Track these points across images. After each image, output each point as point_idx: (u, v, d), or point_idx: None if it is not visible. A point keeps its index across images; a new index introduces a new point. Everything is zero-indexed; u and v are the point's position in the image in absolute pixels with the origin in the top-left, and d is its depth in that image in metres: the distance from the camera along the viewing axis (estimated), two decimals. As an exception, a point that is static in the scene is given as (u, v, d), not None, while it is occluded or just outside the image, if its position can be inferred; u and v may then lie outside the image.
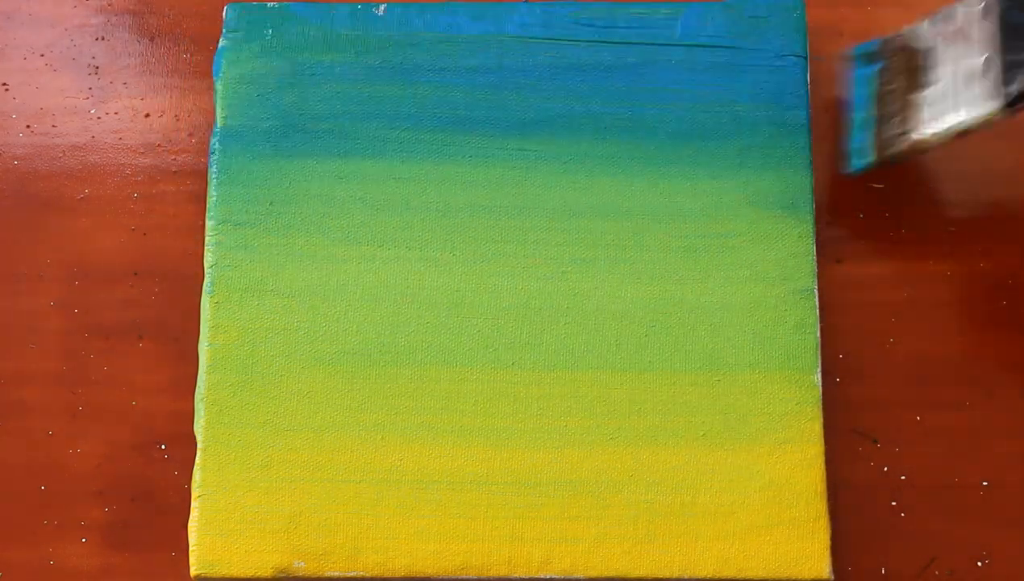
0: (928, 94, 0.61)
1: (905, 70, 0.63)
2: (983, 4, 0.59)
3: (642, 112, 0.64)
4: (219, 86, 0.64)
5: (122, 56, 0.68)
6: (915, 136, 0.62)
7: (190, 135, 0.68)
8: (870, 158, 0.64)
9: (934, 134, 0.61)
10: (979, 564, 0.63)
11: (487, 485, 0.60)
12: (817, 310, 0.62)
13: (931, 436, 0.64)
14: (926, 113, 0.61)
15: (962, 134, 0.60)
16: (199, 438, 0.60)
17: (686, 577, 0.59)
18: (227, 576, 0.59)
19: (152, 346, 0.65)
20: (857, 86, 0.65)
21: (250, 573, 0.59)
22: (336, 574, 0.59)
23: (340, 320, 0.62)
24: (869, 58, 0.65)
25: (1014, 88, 0.58)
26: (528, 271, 0.62)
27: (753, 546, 0.59)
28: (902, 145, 0.62)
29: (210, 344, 0.61)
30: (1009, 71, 0.58)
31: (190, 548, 0.59)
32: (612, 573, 0.59)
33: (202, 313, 0.62)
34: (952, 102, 0.60)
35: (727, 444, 0.60)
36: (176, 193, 0.67)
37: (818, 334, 0.61)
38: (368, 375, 0.61)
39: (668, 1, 0.65)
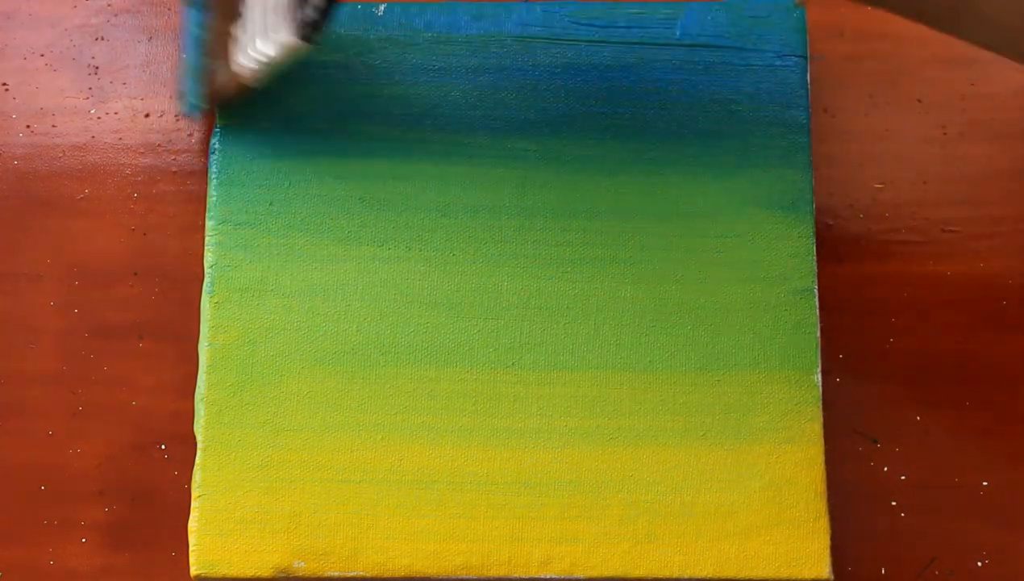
0: (244, 27, 0.60)
1: (223, 4, 0.61)
2: None
3: (642, 112, 0.64)
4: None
5: (122, 56, 0.68)
6: (232, 70, 0.61)
7: (190, 135, 0.68)
8: (201, 100, 0.63)
9: (244, 67, 0.60)
10: (979, 564, 0.63)
11: (487, 485, 0.60)
12: (817, 310, 0.62)
13: (931, 436, 0.64)
14: (240, 46, 0.60)
15: (273, 65, 0.59)
16: (199, 438, 0.60)
17: (686, 577, 0.59)
18: (227, 576, 0.59)
19: (152, 346, 0.65)
20: (188, 27, 0.64)
21: (250, 573, 0.59)
22: (336, 574, 0.59)
23: (340, 320, 0.61)
24: None
25: (307, 14, 0.57)
26: (528, 271, 0.62)
27: (753, 546, 0.59)
28: (224, 81, 0.61)
29: (210, 344, 0.61)
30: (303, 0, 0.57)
31: (190, 548, 0.59)
32: (612, 573, 0.59)
33: (202, 313, 0.62)
34: (260, 33, 0.59)
35: (727, 444, 0.60)
36: (176, 193, 0.67)
37: (818, 334, 0.61)
38: (368, 375, 0.61)
39: (668, 1, 0.65)
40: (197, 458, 0.60)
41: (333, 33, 0.65)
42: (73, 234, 0.66)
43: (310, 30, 0.57)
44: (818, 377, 0.61)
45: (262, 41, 0.59)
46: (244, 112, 0.64)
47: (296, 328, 0.61)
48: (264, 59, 0.59)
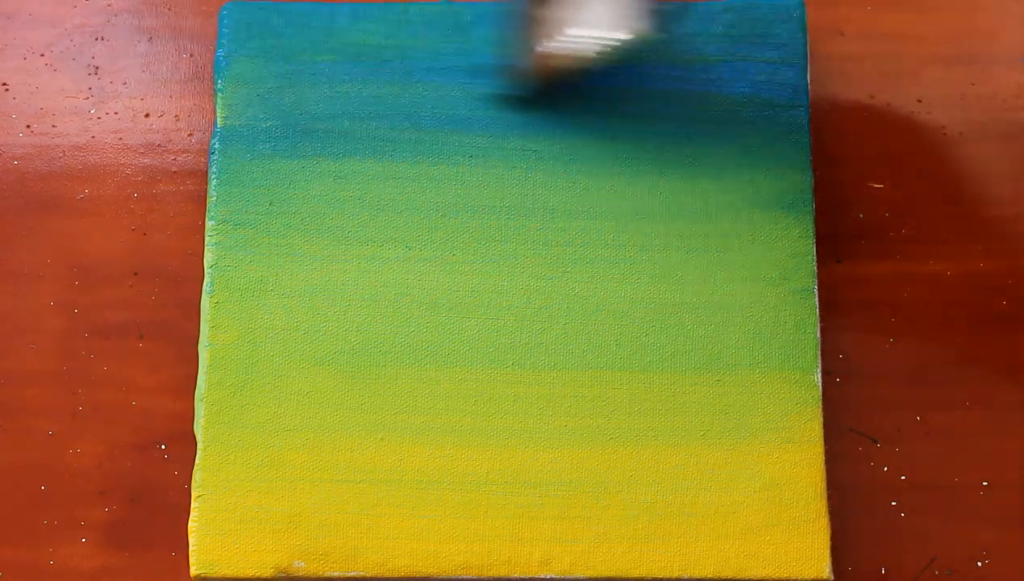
0: (576, 12, 0.59)
1: None
2: None
3: (642, 112, 0.64)
4: (219, 86, 0.64)
5: (122, 56, 0.68)
6: (546, 52, 0.59)
7: (190, 135, 0.68)
8: (524, 78, 0.62)
9: (563, 50, 0.59)
10: (979, 564, 0.63)
11: (487, 485, 0.60)
12: (817, 310, 0.62)
13: (931, 436, 0.64)
14: (558, 29, 0.59)
15: (615, 50, 0.58)
16: (199, 438, 0.60)
17: (686, 577, 0.59)
18: (227, 576, 0.59)
19: (152, 346, 0.65)
20: (511, 7, 0.62)
21: (250, 573, 0.59)
22: (336, 574, 0.59)
23: (340, 320, 0.62)
24: None
25: (645, 4, 0.57)
26: (528, 271, 0.62)
27: (753, 546, 0.59)
28: (559, 61, 0.60)
29: (210, 344, 0.61)
30: None
31: (190, 548, 0.59)
32: (612, 573, 0.59)
33: (202, 313, 0.62)
34: (599, 19, 0.58)
35: (727, 444, 0.60)
36: (176, 193, 0.67)
37: (818, 334, 0.61)
38: (368, 375, 0.61)
39: (669, 1, 0.65)
40: (197, 458, 0.60)
41: (333, 33, 0.64)
42: (73, 234, 0.66)
43: (660, 19, 0.57)
44: (818, 377, 0.61)
45: (602, 27, 0.58)
46: (244, 112, 0.64)
47: (296, 328, 0.61)
48: (605, 44, 0.58)
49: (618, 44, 0.58)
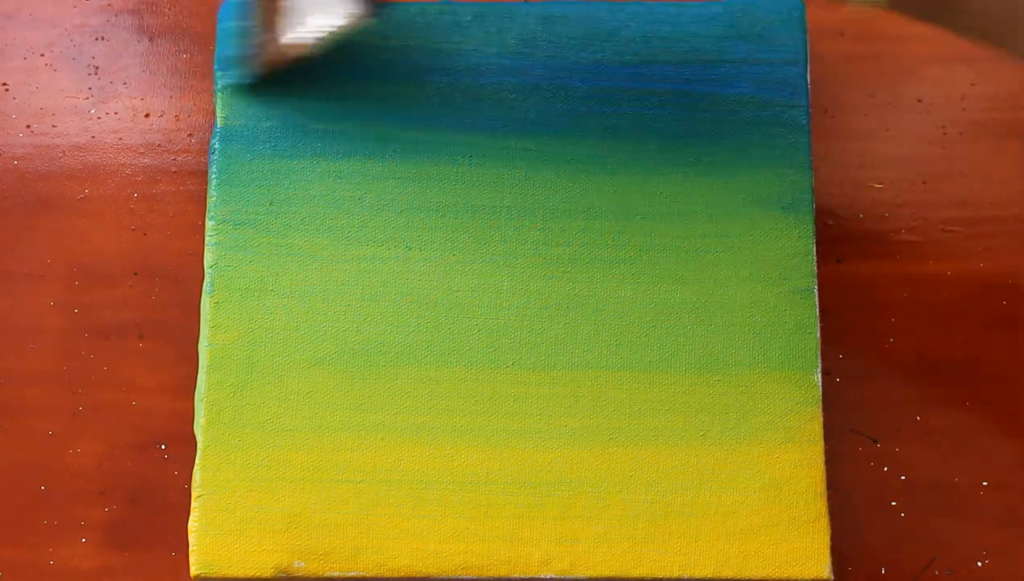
0: (303, 3, 0.60)
1: None
2: None
3: (642, 112, 0.64)
4: (219, 86, 0.64)
5: (122, 56, 0.68)
6: (283, 41, 0.61)
7: (190, 135, 0.68)
8: (244, 69, 0.63)
9: (300, 38, 0.60)
10: (979, 564, 0.63)
11: (487, 485, 0.60)
12: (817, 310, 0.62)
13: (931, 436, 0.64)
14: (293, 18, 0.60)
15: (330, 38, 0.60)
16: (199, 438, 0.60)
17: (686, 577, 0.59)
18: (227, 576, 0.59)
19: (152, 346, 0.65)
20: None
21: (250, 573, 0.59)
22: (336, 574, 0.59)
23: (340, 320, 0.62)
24: None
25: None
26: (528, 271, 0.62)
27: (753, 546, 0.59)
28: (271, 52, 0.61)
29: (210, 344, 0.61)
30: None
31: (190, 548, 0.59)
32: (612, 573, 0.59)
33: (202, 313, 0.62)
34: (315, 6, 0.59)
35: (727, 444, 0.60)
36: (176, 193, 0.67)
37: (818, 334, 0.61)
38: (368, 375, 0.61)
39: (668, 1, 0.65)
40: (197, 458, 0.60)
41: (334, 33, 0.65)
42: (73, 234, 0.66)
43: (372, 2, 0.58)
44: (818, 377, 0.61)
45: (319, 14, 0.59)
46: (244, 112, 0.64)
47: (296, 328, 0.61)
48: (321, 32, 0.59)
49: (339, 30, 0.59)
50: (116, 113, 0.68)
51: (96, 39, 0.69)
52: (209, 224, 0.63)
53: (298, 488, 0.60)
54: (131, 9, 0.69)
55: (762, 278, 0.62)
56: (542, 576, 0.59)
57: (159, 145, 0.67)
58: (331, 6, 0.59)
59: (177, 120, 0.68)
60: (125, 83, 0.68)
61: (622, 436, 0.60)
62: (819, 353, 0.61)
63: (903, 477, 0.63)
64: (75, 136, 0.68)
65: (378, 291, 0.62)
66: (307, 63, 0.63)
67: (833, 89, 0.67)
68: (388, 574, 0.59)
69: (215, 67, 0.64)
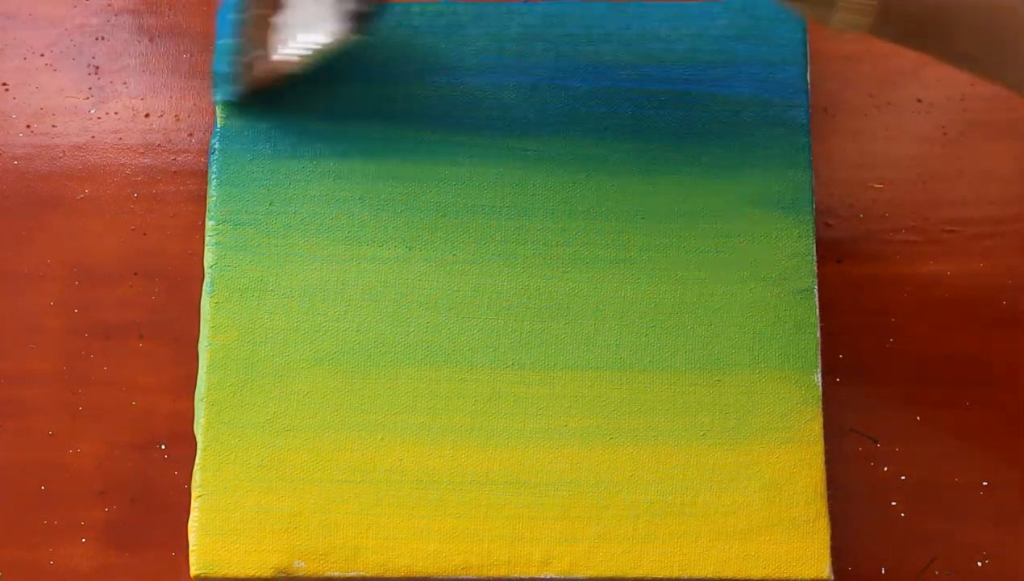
0: (287, 17, 0.61)
1: None
2: None
3: (642, 112, 0.64)
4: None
5: (122, 56, 0.68)
6: (273, 58, 0.61)
7: (190, 135, 0.68)
8: (236, 85, 0.63)
9: (289, 54, 0.61)
10: (979, 564, 0.63)
11: (487, 485, 0.60)
12: (817, 310, 0.62)
13: (931, 436, 0.64)
14: (283, 35, 0.61)
15: (318, 55, 0.60)
16: (199, 438, 0.60)
17: (686, 577, 0.59)
18: (227, 576, 0.59)
19: (152, 346, 0.65)
20: (224, 12, 0.64)
21: (250, 573, 0.59)
22: (336, 574, 0.59)
23: (340, 320, 0.62)
24: None
25: (349, 6, 0.58)
26: (528, 271, 0.62)
27: (753, 546, 0.59)
28: (262, 68, 0.62)
29: (210, 344, 0.61)
30: None
31: (190, 548, 0.59)
32: (612, 573, 0.59)
33: (202, 313, 0.62)
34: (305, 23, 0.60)
35: (727, 444, 0.60)
36: (176, 193, 0.67)
37: (818, 334, 0.61)
38: (368, 375, 0.61)
39: (669, 1, 0.65)
40: (197, 458, 0.60)
41: (324, 50, 0.64)
42: (73, 234, 0.66)
43: (359, 21, 0.58)
44: (818, 377, 0.61)
45: (308, 32, 0.60)
46: (244, 112, 0.64)
47: (296, 328, 0.61)
48: (309, 49, 0.60)
49: (328, 47, 0.60)
50: (116, 113, 0.68)
51: (96, 39, 0.69)
52: (209, 224, 0.63)
53: (298, 488, 0.60)
54: (131, 9, 0.69)
55: (762, 278, 0.62)
56: (542, 576, 0.59)
57: (159, 145, 0.67)
58: (321, 23, 0.59)
59: (177, 120, 0.68)
60: (125, 83, 0.68)
61: (622, 436, 0.60)
62: (819, 353, 0.61)
63: (903, 477, 0.63)
64: (75, 136, 0.68)
65: (378, 291, 0.62)
66: (298, 79, 0.63)
67: (833, 89, 0.67)
68: (388, 574, 0.59)
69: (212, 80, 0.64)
